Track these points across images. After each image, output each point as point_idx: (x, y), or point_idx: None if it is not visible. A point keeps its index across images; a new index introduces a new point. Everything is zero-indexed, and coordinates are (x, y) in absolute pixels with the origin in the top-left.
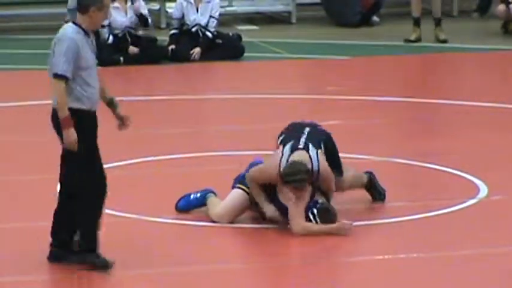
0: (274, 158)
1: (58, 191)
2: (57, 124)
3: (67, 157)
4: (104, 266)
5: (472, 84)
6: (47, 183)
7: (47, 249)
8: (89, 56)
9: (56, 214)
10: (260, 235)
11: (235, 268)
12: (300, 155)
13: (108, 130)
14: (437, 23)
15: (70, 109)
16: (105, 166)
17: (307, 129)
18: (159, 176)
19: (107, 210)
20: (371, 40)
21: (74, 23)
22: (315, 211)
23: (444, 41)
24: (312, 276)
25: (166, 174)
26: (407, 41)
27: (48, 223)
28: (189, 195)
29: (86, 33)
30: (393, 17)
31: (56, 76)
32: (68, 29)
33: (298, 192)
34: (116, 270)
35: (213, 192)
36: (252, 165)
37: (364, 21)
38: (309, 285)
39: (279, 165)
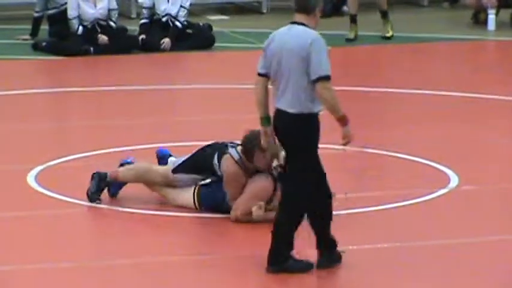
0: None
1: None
2: (298, 129)
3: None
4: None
5: (442, 74)
6: (18, 174)
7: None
8: None
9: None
10: (223, 226)
11: (200, 259)
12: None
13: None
14: (383, 15)
15: (314, 113)
16: (77, 156)
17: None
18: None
19: (74, 200)
20: (341, 30)
21: (301, 23)
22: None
23: (387, 38)
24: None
25: None
26: (348, 40)
27: (20, 213)
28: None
29: None
30: (363, 6)
31: (326, 78)
32: (313, 31)
33: (265, 154)
34: (86, 260)
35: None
36: (162, 156)
37: (335, 10)
38: (276, 277)
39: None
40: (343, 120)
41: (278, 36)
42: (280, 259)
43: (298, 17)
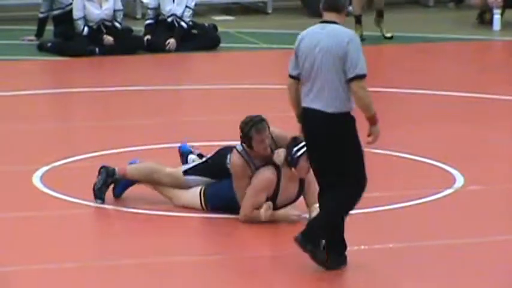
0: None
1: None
2: (339, 128)
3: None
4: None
5: (448, 75)
6: (24, 175)
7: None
8: None
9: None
10: (230, 226)
11: (206, 260)
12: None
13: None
14: (379, 15)
15: (350, 112)
16: (82, 157)
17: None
18: None
19: (80, 201)
20: None
21: (333, 22)
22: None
23: (389, 38)
24: (282, 268)
25: None
26: None
27: (25, 214)
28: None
29: None
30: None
31: (362, 77)
32: (349, 29)
33: (262, 136)
34: (90, 260)
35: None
36: (183, 152)
37: None
38: (283, 277)
39: (242, 157)
40: (373, 119)
41: (309, 36)
42: (314, 238)
43: (329, 16)
